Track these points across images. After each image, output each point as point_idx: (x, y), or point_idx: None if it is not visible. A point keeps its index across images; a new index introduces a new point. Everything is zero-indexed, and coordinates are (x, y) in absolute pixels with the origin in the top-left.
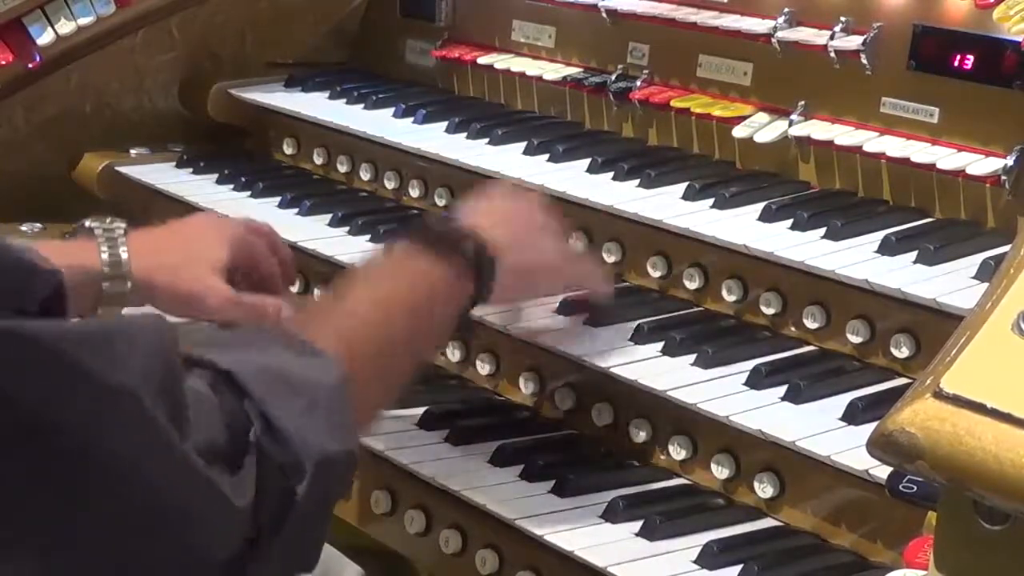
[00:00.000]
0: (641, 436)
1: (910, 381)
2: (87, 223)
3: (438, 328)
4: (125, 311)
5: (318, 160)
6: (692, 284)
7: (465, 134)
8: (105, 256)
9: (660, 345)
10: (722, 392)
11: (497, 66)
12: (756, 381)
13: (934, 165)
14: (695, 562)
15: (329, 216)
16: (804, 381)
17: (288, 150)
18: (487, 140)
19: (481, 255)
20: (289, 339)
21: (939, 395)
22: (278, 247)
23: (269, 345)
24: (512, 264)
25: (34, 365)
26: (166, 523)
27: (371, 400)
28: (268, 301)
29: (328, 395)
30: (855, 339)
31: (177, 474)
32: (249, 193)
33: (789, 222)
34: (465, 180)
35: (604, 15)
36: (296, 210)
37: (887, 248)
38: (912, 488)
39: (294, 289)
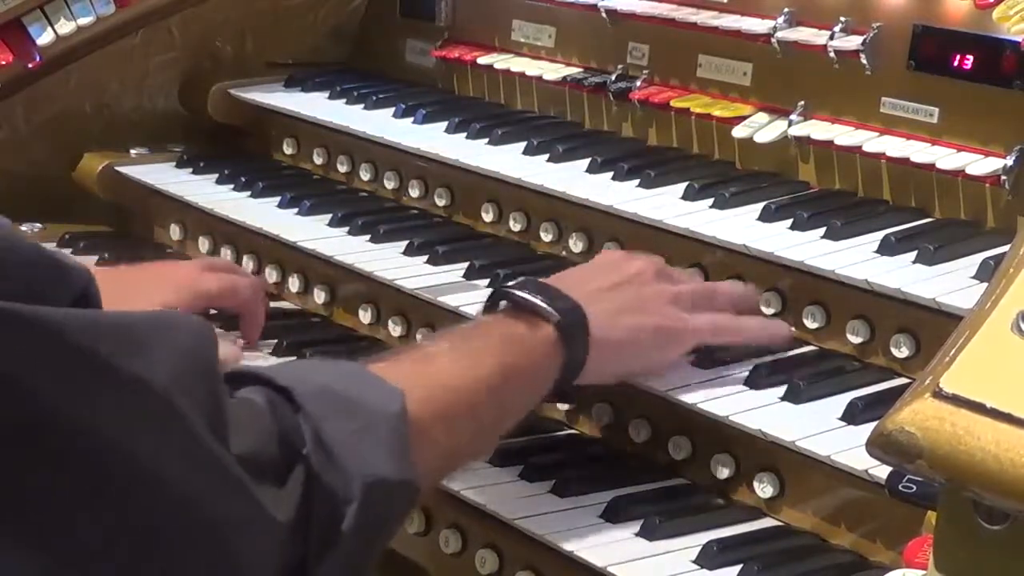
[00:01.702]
0: (641, 436)
1: (910, 381)
2: None
3: (526, 392)
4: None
5: (318, 160)
6: None
7: (465, 134)
8: None
9: None
10: (722, 392)
11: (497, 66)
12: (756, 381)
13: (934, 165)
14: (695, 562)
15: (329, 216)
16: (804, 381)
17: (288, 150)
18: (487, 140)
19: (569, 319)
20: (356, 369)
21: (938, 395)
22: (238, 282)
23: (333, 370)
24: (605, 338)
25: (55, 356)
26: (197, 529)
27: (442, 446)
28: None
29: (387, 422)
30: (855, 339)
31: (207, 475)
32: (249, 193)
33: (789, 222)
34: (465, 180)
35: (604, 15)
36: (296, 210)
37: (887, 248)
38: (912, 488)
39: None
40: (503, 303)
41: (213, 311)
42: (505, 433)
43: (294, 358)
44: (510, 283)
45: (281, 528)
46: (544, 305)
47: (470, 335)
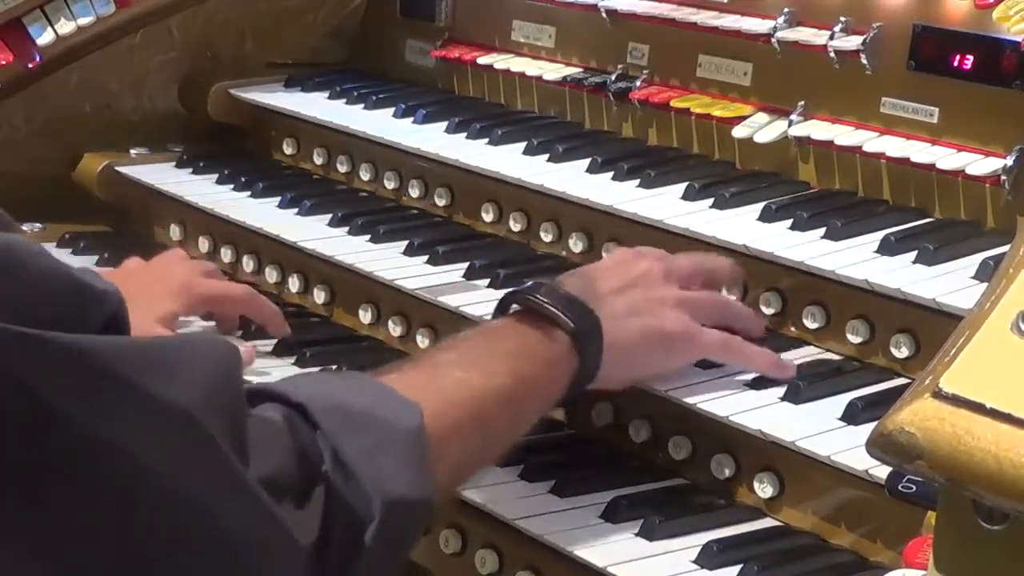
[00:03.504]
0: (641, 436)
1: (909, 381)
2: None
3: (538, 400)
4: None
5: (318, 160)
6: None
7: (465, 134)
8: None
9: None
10: (722, 392)
11: (497, 66)
12: (756, 381)
13: (934, 165)
14: (695, 562)
15: (329, 216)
16: (804, 381)
17: (288, 150)
18: (487, 140)
19: (584, 329)
20: (371, 383)
21: (938, 395)
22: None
23: (347, 385)
24: (616, 344)
25: (85, 382)
26: (222, 555)
27: (456, 459)
28: None
29: (404, 438)
30: (855, 339)
31: (235, 502)
32: (249, 193)
33: (789, 222)
34: (465, 180)
35: (604, 15)
36: (296, 210)
37: (887, 248)
38: (911, 488)
39: (292, 286)
40: (515, 307)
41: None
42: (517, 440)
43: (294, 357)
44: (523, 286)
45: (304, 551)
46: (559, 312)
47: (483, 343)
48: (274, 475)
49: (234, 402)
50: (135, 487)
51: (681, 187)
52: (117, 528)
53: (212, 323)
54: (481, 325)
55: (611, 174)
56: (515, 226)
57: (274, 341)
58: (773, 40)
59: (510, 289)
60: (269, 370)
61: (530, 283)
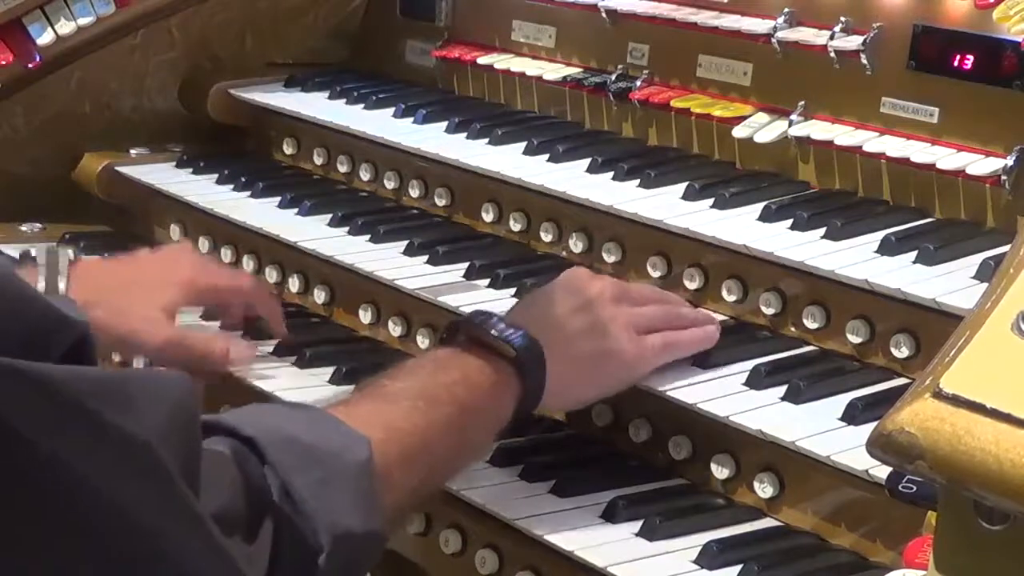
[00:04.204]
0: (641, 436)
1: (910, 381)
2: (32, 250)
3: (483, 427)
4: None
5: (318, 160)
6: (692, 284)
7: (465, 134)
8: (41, 286)
9: None
10: (722, 392)
11: (497, 66)
12: (756, 381)
13: (934, 165)
14: (695, 562)
15: (329, 216)
16: (804, 381)
17: (288, 150)
18: (487, 140)
19: (526, 356)
20: (320, 416)
21: (938, 395)
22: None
23: (298, 419)
24: (562, 369)
25: (47, 410)
26: None
27: (402, 489)
28: (217, 342)
29: (353, 472)
30: (855, 339)
31: (189, 536)
32: (249, 193)
33: (789, 222)
34: (465, 180)
35: (604, 15)
36: (296, 210)
37: (887, 248)
38: (912, 488)
39: (292, 286)
40: (461, 335)
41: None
42: (464, 468)
43: (294, 357)
44: (468, 315)
45: None
46: (500, 340)
47: (428, 372)
48: (224, 509)
49: (190, 437)
50: (92, 515)
51: (681, 187)
52: (71, 556)
53: (215, 323)
54: (427, 354)
55: (611, 174)
56: (515, 226)
57: (275, 341)
58: (773, 40)
59: (455, 320)
60: (269, 370)
61: (474, 311)
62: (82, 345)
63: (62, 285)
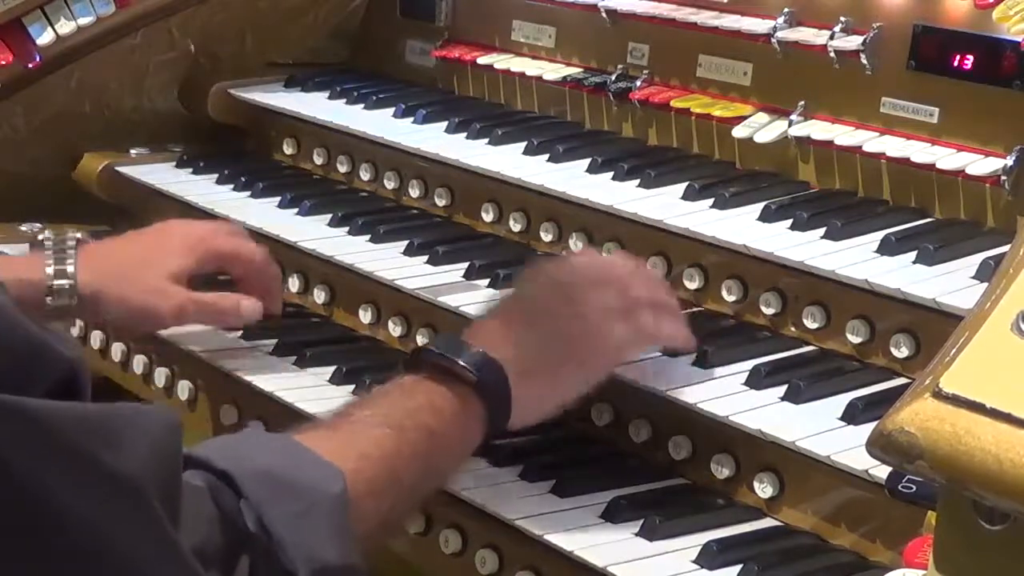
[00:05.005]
0: (641, 436)
1: (910, 381)
2: (40, 236)
3: (450, 453)
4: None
5: (318, 160)
6: (692, 284)
7: (465, 134)
8: (50, 269)
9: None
10: (722, 392)
11: (497, 66)
12: (756, 381)
13: (934, 165)
14: (695, 562)
15: (329, 216)
16: (804, 381)
17: (288, 150)
18: (487, 140)
19: (487, 378)
20: (293, 446)
21: (938, 395)
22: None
23: (271, 450)
24: (535, 376)
25: (34, 445)
26: None
27: (371, 518)
28: (229, 299)
29: (329, 505)
30: (855, 339)
31: (166, 564)
32: (249, 193)
33: (789, 222)
34: (465, 180)
35: (604, 15)
36: (296, 210)
37: (887, 248)
38: (912, 488)
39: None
40: (424, 362)
41: (224, 277)
42: (432, 493)
43: (294, 357)
44: (431, 342)
45: None
46: (459, 366)
47: (395, 399)
48: (202, 544)
49: (173, 472)
50: (75, 550)
51: (681, 187)
52: None
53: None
54: (394, 381)
55: (611, 174)
56: (515, 226)
57: (274, 341)
58: (773, 40)
59: (419, 347)
60: (269, 370)
61: (439, 334)
62: (73, 380)
63: (70, 267)
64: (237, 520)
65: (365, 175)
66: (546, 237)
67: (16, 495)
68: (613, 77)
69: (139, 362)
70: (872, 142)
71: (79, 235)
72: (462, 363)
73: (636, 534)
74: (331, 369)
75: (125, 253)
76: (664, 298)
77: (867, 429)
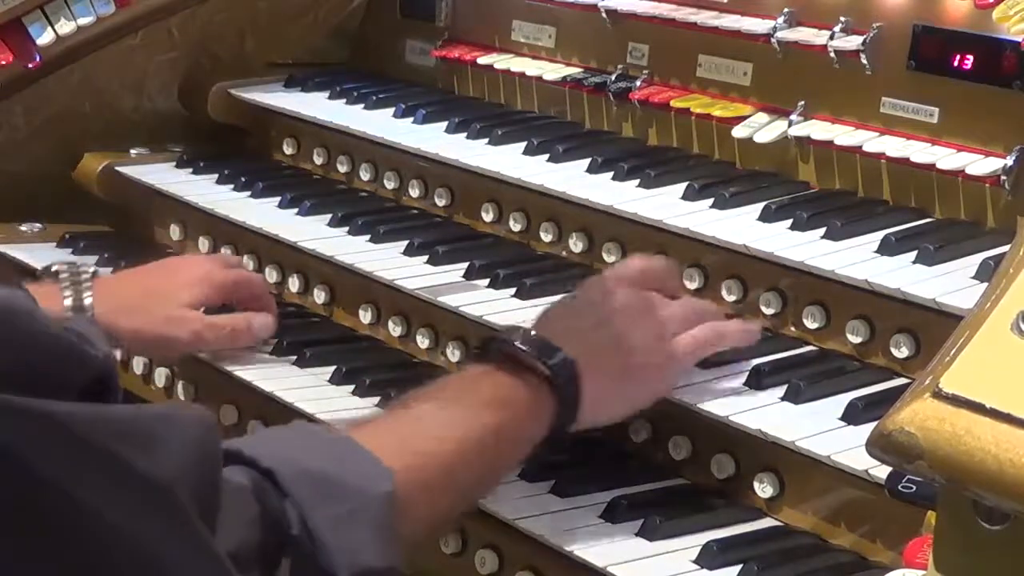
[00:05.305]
0: (641, 436)
1: (910, 381)
2: (54, 266)
3: (515, 449)
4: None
5: (318, 160)
6: (692, 284)
7: (465, 134)
8: (68, 302)
9: None
10: (722, 392)
11: (497, 66)
12: (756, 381)
13: (934, 165)
14: (695, 562)
15: (329, 216)
16: (804, 381)
17: (288, 150)
18: (487, 140)
19: (560, 372)
20: (342, 443)
21: (938, 395)
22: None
23: (319, 447)
24: (595, 386)
25: (68, 450)
26: None
27: (421, 518)
28: (241, 318)
29: (374, 507)
30: (855, 339)
31: (202, 568)
32: (249, 193)
33: (789, 222)
34: (465, 180)
35: (604, 15)
36: (296, 210)
37: (887, 248)
38: (911, 488)
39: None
40: (493, 351)
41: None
42: (494, 489)
43: (294, 357)
44: (501, 332)
45: None
46: (536, 361)
47: (459, 391)
48: (243, 544)
49: (210, 474)
50: (109, 556)
51: (681, 187)
52: None
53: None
54: (459, 372)
55: (611, 174)
56: (515, 226)
57: (274, 341)
58: (773, 40)
59: (487, 335)
60: (269, 370)
61: (508, 327)
62: (102, 383)
63: (87, 299)
64: (281, 521)
65: (365, 175)
66: (546, 237)
67: (42, 499)
68: (613, 77)
69: (139, 362)
70: (872, 142)
71: (92, 268)
72: (538, 356)
73: (636, 534)
74: (331, 369)
75: (137, 287)
76: (704, 306)
77: (867, 429)
